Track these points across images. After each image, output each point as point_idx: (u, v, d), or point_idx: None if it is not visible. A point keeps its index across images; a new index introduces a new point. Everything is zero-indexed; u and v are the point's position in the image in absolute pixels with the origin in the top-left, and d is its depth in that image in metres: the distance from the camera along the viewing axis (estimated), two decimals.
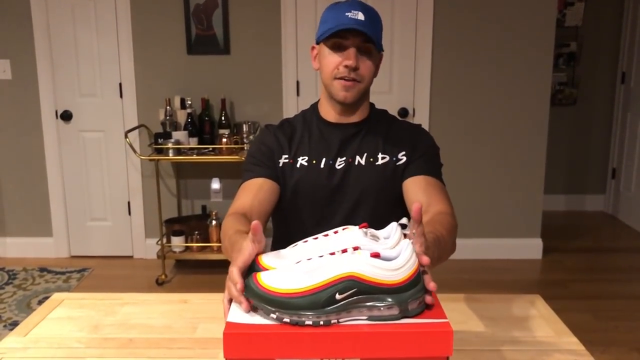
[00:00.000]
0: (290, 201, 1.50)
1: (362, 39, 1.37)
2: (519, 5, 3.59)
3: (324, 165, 1.48)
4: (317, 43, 1.46)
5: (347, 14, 1.37)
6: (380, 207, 1.46)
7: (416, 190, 1.41)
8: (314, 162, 1.49)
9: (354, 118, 1.51)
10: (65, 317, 1.30)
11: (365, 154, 1.48)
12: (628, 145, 4.60)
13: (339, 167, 1.48)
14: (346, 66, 1.38)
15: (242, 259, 1.01)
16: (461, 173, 3.74)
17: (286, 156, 1.50)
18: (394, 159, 1.47)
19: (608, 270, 3.74)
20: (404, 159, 1.47)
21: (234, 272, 0.99)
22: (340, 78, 1.40)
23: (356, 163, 1.48)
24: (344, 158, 1.48)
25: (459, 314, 1.25)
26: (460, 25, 3.62)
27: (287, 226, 1.54)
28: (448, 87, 3.70)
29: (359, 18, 1.36)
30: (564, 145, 4.86)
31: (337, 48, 1.40)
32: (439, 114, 3.71)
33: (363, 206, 1.46)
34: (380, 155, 1.48)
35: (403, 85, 3.70)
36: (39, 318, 1.29)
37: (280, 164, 1.50)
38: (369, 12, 1.40)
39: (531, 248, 3.89)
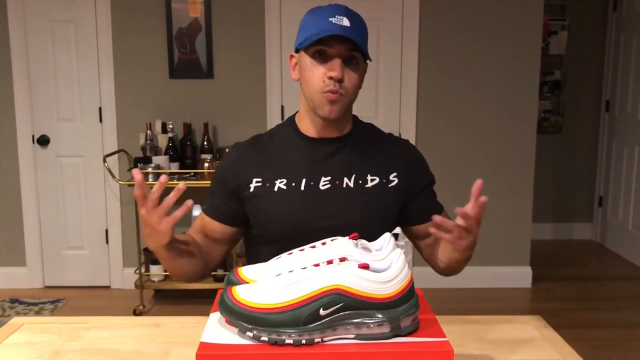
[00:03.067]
0: (266, 228, 1.36)
1: (348, 47, 1.25)
2: (505, 32, 3.59)
3: (305, 186, 1.34)
4: (297, 51, 1.33)
5: (330, 19, 1.24)
6: (370, 232, 1.34)
7: (428, 233, 1.43)
8: (294, 184, 1.34)
9: (337, 133, 1.38)
10: (23, 342, 1.19)
11: (354, 176, 1.35)
12: (614, 173, 4.59)
13: (323, 188, 1.34)
14: (331, 78, 1.26)
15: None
16: (448, 201, 3.65)
17: (259, 180, 1.36)
18: (384, 180, 1.37)
19: (599, 299, 3.67)
20: (396, 180, 1.37)
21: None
22: (327, 91, 1.27)
23: (344, 185, 1.34)
24: (329, 178, 1.35)
25: (455, 336, 1.16)
26: (445, 52, 3.61)
27: (262, 252, 1.39)
28: (434, 114, 3.67)
29: (344, 24, 1.24)
30: (550, 173, 4.84)
31: (319, 57, 1.27)
32: (425, 140, 3.66)
33: (351, 232, 1.34)
34: (369, 177, 1.36)
35: (389, 111, 3.66)
36: None
37: (252, 190, 1.35)
38: (354, 17, 1.28)
39: (521, 276, 3.82)
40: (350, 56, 1.28)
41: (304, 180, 1.35)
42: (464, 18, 3.58)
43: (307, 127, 1.39)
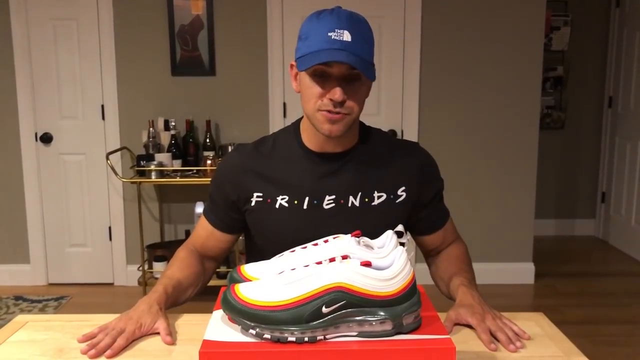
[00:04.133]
0: (268, 242, 1.35)
1: (349, 65, 1.16)
2: (507, 27, 3.58)
3: (308, 205, 1.29)
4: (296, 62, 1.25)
5: (330, 34, 1.15)
6: None
7: (433, 243, 1.45)
8: (296, 202, 1.29)
9: (341, 147, 1.32)
10: (27, 340, 1.19)
11: (360, 194, 1.30)
12: (617, 169, 4.58)
13: (327, 207, 1.30)
14: (331, 99, 1.19)
15: (136, 333, 1.15)
16: (451, 197, 3.65)
17: (260, 195, 1.31)
18: (392, 196, 1.32)
19: (602, 295, 3.66)
20: (404, 195, 1.33)
21: (125, 337, 1.12)
22: (325, 110, 1.21)
23: (349, 205, 1.29)
24: (333, 197, 1.29)
25: (457, 332, 1.16)
26: (447, 48, 3.60)
27: (263, 258, 1.40)
28: (436, 110, 3.66)
29: (344, 39, 1.14)
30: (553, 169, 4.83)
31: (319, 76, 1.19)
32: (427, 136, 3.66)
33: None
34: (376, 194, 1.31)
35: (391, 108, 3.65)
36: None
37: (253, 204, 1.32)
38: (357, 26, 1.17)
39: (523, 273, 3.81)
40: (353, 73, 1.19)
41: (306, 199, 1.30)
42: (466, 14, 3.57)
43: (310, 140, 1.33)
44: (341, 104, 1.19)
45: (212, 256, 1.45)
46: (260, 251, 1.38)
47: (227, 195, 1.36)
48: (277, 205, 1.30)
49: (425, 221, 1.41)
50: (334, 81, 1.19)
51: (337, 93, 1.17)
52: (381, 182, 1.32)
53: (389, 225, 1.28)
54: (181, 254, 1.40)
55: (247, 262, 1.48)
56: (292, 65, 1.29)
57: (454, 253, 1.44)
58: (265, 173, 1.33)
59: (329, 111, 1.20)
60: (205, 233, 1.42)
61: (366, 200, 1.31)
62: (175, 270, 1.34)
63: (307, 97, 1.23)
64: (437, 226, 1.43)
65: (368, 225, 1.26)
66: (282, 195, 1.30)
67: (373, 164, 1.33)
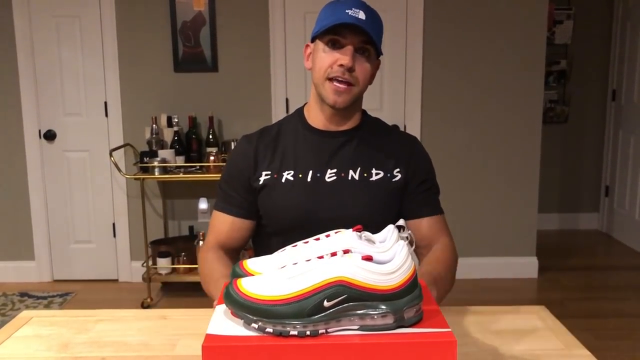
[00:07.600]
0: (274, 219, 1.40)
1: (361, 39, 1.28)
2: (510, 22, 3.57)
3: (312, 178, 1.36)
4: (312, 40, 1.36)
5: (347, 11, 1.27)
6: (373, 224, 1.30)
7: (417, 232, 1.39)
8: (300, 175, 1.37)
9: (345, 126, 1.40)
10: (32, 335, 1.20)
11: (359, 169, 1.37)
12: (621, 163, 4.57)
13: (329, 180, 1.36)
14: (341, 65, 1.28)
15: None
16: (454, 192, 3.67)
17: (268, 172, 1.38)
18: (389, 175, 1.38)
19: (605, 289, 3.67)
20: (399, 176, 1.39)
21: None
22: (333, 79, 1.29)
23: (349, 178, 1.36)
24: (335, 170, 1.37)
25: (459, 326, 1.16)
26: (450, 43, 3.60)
27: (269, 243, 1.42)
28: (439, 105, 3.66)
29: (359, 17, 1.27)
30: (556, 164, 4.82)
31: (332, 45, 1.30)
32: (430, 131, 3.66)
33: (355, 223, 1.32)
34: (374, 171, 1.37)
35: (394, 102, 3.65)
36: (3, 337, 1.19)
37: (261, 182, 1.38)
38: (371, 12, 1.31)
39: (527, 267, 3.81)
40: (363, 48, 1.30)
41: (310, 172, 1.37)
42: (469, 8, 3.56)
43: (315, 118, 1.41)
44: (349, 70, 1.28)
45: (236, 247, 1.46)
46: (268, 235, 1.42)
47: (241, 176, 1.41)
48: (283, 180, 1.37)
49: (410, 205, 1.40)
50: (346, 48, 1.29)
51: (347, 58, 1.27)
52: (379, 161, 1.39)
53: (385, 202, 1.36)
54: (213, 255, 1.39)
55: (255, 250, 1.53)
56: (307, 46, 1.40)
57: (438, 255, 1.35)
58: (272, 153, 1.40)
59: (337, 80, 1.29)
60: (226, 227, 1.43)
61: (365, 175, 1.37)
62: (219, 268, 1.33)
63: (319, 66, 1.32)
64: (421, 213, 1.40)
65: (366, 198, 1.35)
66: (288, 170, 1.38)
67: (373, 144, 1.41)
